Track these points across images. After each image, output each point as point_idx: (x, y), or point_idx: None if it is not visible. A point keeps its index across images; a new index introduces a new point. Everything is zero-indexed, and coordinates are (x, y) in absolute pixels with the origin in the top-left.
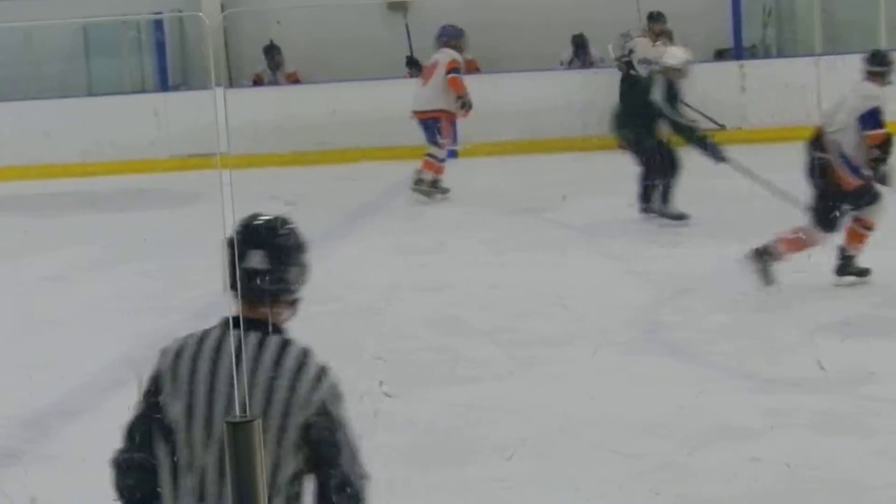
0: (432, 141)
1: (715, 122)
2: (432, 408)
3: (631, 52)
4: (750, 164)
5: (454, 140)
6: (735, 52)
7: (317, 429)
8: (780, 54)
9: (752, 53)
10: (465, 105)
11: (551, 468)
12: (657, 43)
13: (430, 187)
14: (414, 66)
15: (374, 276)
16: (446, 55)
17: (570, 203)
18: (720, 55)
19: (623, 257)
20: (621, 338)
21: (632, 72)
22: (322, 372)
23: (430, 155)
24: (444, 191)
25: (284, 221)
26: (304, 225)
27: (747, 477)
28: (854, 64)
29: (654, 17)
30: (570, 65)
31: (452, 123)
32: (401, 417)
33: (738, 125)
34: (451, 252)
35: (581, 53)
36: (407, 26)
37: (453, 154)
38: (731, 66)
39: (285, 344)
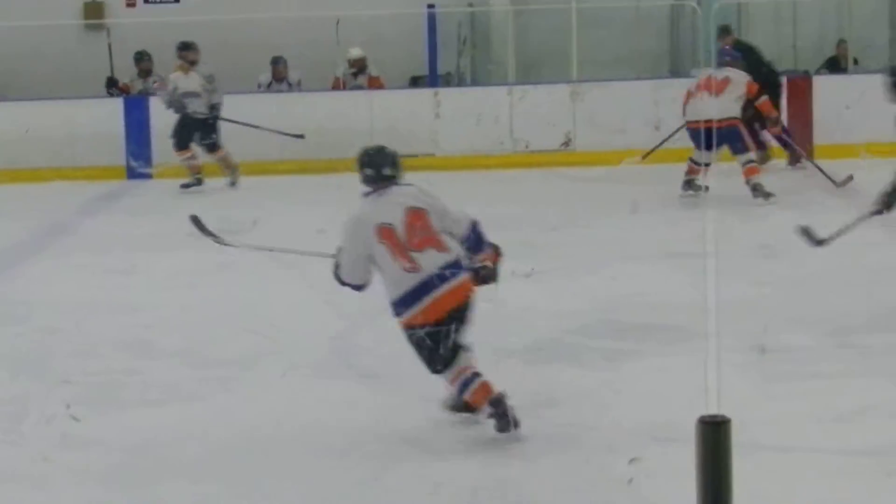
0: (737, 149)
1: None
2: (121, 430)
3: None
4: (443, 191)
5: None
6: (430, 79)
7: None
8: (475, 82)
9: (447, 81)
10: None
11: (238, 489)
12: (191, 72)
13: (756, 189)
14: (114, 85)
15: (63, 297)
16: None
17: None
18: (415, 82)
19: (318, 285)
20: (312, 361)
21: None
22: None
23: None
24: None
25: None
26: None
27: (441, 497)
28: (544, 94)
29: (187, 47)
30: (268, 87)
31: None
32: (89, 440)
33: (430, 152)
34: (142, 273)
35: (281, 75)
36: (109, 46)
37: (148, 176)
38: (425, 93)
39: None
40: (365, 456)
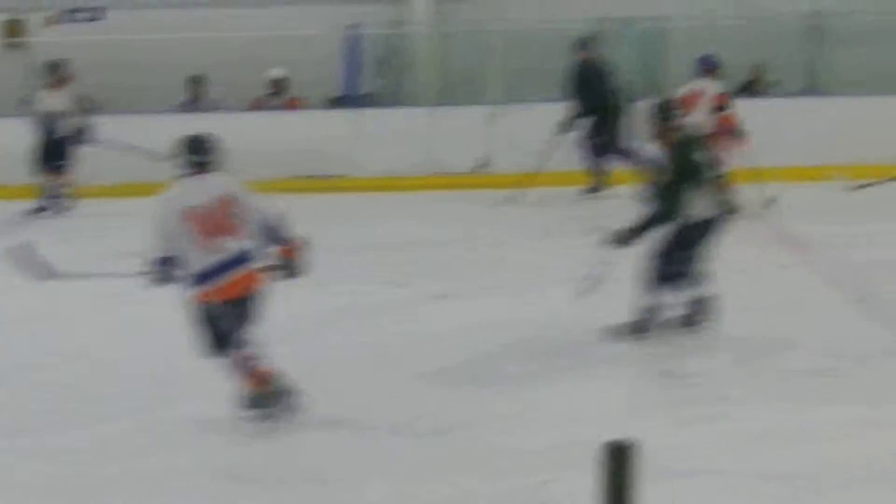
0: None
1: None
2: (63, 446)
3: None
4: (361, 211)
5: None
6: (349, 100)
7: None
8: (395, 103)
9: (367, 102)
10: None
11: None
12: (60, 91)
13: None
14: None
15: None
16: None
17: None
18: (334, 103)
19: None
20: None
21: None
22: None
23: None
24: None
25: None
26: None
27: None
28: (464, 115)
29: (56, 66)
30: (186, 107)
31: None
32: (34, 454)
33: (349, 173)
34: (77, 291)
35: (200, 94)
36: (28, 65)
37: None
38: (344, 115)
39: None
40: (264, 479)
